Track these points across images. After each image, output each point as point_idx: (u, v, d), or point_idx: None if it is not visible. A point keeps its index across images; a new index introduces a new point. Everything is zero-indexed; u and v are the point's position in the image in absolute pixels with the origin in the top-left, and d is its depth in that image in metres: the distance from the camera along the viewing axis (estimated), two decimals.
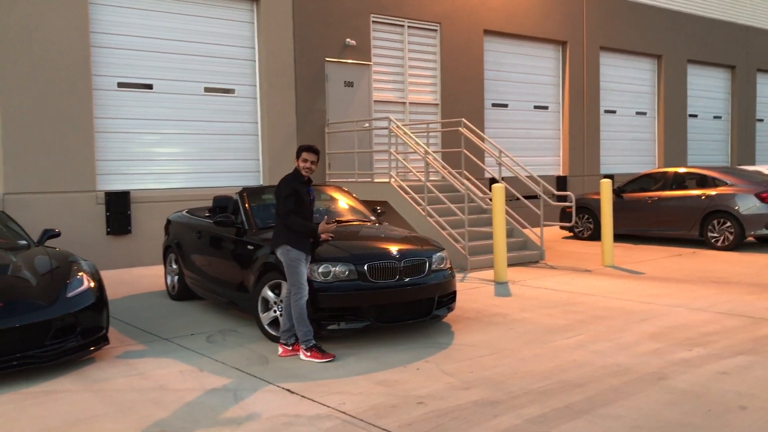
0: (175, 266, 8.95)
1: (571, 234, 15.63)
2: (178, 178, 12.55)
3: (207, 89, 12.80)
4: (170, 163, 12.46)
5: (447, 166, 12.92)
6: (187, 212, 9.16)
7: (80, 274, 6.29)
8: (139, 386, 5.42)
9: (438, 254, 6.99)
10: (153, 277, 10.82)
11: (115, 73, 11.82)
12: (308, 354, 6.05)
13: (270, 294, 6.71)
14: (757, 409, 4.67)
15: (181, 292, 8.80)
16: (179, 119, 12.53)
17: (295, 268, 6.08)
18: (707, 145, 23.36)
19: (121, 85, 11.88)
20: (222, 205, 8.30)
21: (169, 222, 9.33)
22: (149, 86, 12.18)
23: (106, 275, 10.94)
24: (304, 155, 6.24)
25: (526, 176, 15.89)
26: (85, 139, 11.30)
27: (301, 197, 6.19)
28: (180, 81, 12.50)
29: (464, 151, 12.57)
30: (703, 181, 13.27)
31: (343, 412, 4.75)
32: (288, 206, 6.10)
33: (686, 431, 4.32)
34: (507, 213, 12.57)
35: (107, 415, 4.78)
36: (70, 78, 11.12)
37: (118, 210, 11.60)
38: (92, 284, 6.22)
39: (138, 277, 10.77)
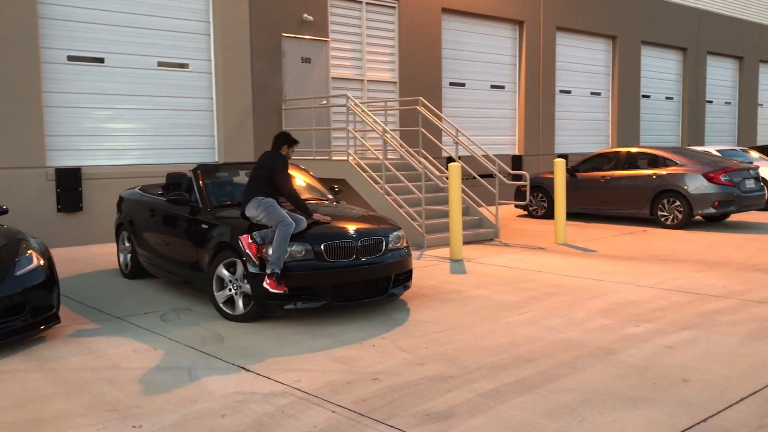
0: (127, 244, 8.81)
1: (526, 212, 15.85)
2: (131, 154, 12.31)
3: (160, 63, 12.54)
4: (123, 139, 12.20)
5: (405, 145, 12.94)
6: (140, 189, 9.01)
7: (29, 252, 6.15)
8: (91, 365, 5.35)
9: (395, 233, 7.03)
10: (105, 255, 10.64)
11: (64, 45, 11.48)
12: (268, 281, 6.22)
13: (225, 273, 6.67)
14: (698, 381, 4.84)
15: (134, 271, 8.69)
16: (132, 94, 12.25)
17: (272, 208, 6.54)
18: (659, 126, 23.85)
19: (71, 58, 11.55)
20: (176, 183, 8.18)
21: (121, 199, 9.17)
22: (100, 60, 11.87)
23: (57, 253, 10.72)
24: (293, 147, 7.05)
25: (482, 155, 16.03)
26: (33, 113, 10.98)
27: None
28: (132, 55, 12.21)
29: (422, 129, 12.60)
30: (654, 161, 13.56)
31: (299, 389, 4.78)
32: (289, 180, 6.82)
33: (633, 404, 4.46)
34: (463, 192, 12.67)
35: (58, 395, 4.72)
36: (17, 50, 10.77)
37: (69, 186, 11.34)
38: (42, 262, 6.10)
39: (90, 255, 10.58)
